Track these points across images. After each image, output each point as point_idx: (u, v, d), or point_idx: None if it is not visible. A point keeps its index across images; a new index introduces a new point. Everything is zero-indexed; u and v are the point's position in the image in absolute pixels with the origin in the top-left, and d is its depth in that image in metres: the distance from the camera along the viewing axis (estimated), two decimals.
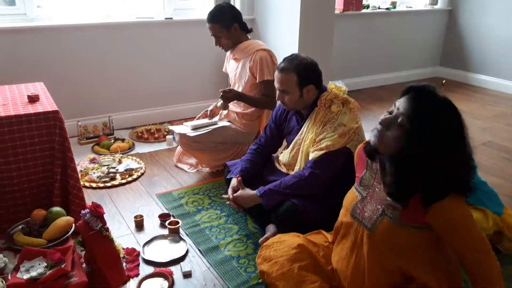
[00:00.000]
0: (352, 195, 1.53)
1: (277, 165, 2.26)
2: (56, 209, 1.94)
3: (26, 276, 1.56)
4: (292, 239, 1.64)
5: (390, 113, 1.31)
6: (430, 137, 1.23)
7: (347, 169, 1.99)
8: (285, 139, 2.28)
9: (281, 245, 1.62)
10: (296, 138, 2.09)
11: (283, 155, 2.20)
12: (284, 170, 2.19)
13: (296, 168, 2.08)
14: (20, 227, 1.89)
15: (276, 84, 2.02)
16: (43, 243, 1.79)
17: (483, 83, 5.11)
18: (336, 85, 2.04)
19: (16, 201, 1.98)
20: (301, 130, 2.08)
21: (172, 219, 2.18)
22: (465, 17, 5.19)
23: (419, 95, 1.27)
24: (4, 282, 1.54)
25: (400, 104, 1.28)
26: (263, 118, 2.79)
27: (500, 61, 4.91)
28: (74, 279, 1.61)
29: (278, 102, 2.15)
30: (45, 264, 1.63)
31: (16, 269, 1.62)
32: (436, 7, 5.28)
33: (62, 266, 1.61)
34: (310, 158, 1.96)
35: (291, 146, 2.13)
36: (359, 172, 1.55)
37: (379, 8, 4.85)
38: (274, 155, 2.36)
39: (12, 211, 1.97)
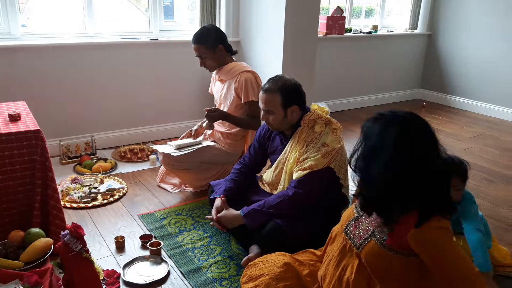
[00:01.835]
0: (350, 212, 1.54)
1: (261, 184, 2.26)
2: (35, 230, 1.89)
3: None
4: (277, 258, 1.63)
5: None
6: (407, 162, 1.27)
7: (330, 189, 2.01)
8: (269, 159, 2.29)
9: (267, 263, 1.61)
10: (280, 157, 2.10)
11: (267, 175, 2.21)
12: (267, 189, 2.19)
13: (280, 187, 2.08)
14: None
15: (261, 105, 2.04)
16: (20, 266, 1.74)
17: (462, 105, 5.25)
18: (319, 106, 2.07)
19: None
20: (284, 150, 2.09)
21: (153, 240, 2.14)
22: (444, 41, 5.36)
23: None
24: None
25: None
26: (247, 138, 2.80)
27: (478, 84, 5.06)
28: None
29: (263, 122, 2.17)
30: (21, 287, 1.58)
31: None
32: (416, 31, 5.44)
33: None
34: (294, 177, 1.97)
35: (274, 165, 2.13)
36: None
37: (361, 32, 4.97)
38: (258, 174, 2.36)
39: None
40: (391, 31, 5.32)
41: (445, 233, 1.28)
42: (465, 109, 5.20)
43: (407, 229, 1.29)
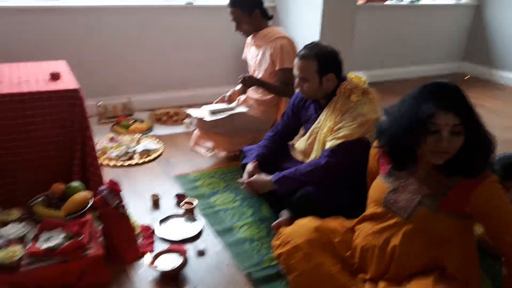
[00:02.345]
0: (380, 187, 1.54)
1: (293, 153, 2.26)
2: (75, 184, 1.98)
3: (44, 246, 1.61)
4: (309, 223, 1.64)
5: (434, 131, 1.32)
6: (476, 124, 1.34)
7: (363, 160, 1.99)
8: (302, 127, 2.28)
9: (299, 228, 1.62)
10: (313, 126, 2.09)
11: (299, 143, 2.20)
12: (299, 158, 2.19)
13: (312, 156, 2.08)
14: (40, 199, 1.95)
15: (296, 71, 2.02)
16: (61, 216, 1.84)
17: (507, 80, 5.00)
18: (357, 76, 2.03)
19: (37, 174, 2.03)
20: (318, 119, 2.07)
21: (187, 199, 2.21)
22: (493, 13, 5.06)
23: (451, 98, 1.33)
24: (23, 250, 1.59)
25: (443, 119, 1.30)
26: (280, 106, 2.79)
27: None
28: (90, 251, 1.66)
29: (297, 90, 2.15)
30: (64, 235, 1.68)
31: (36, 238, 1.67)
32: (462, 1, 5.16)
33: (80, 239, 1.65)
34: (327, 147, 1.96)
35: (307, 134, 2.12)
36: (383, 165, 1.57)
37: (403, 0, 4.76)
38: (290, 143, 2.36)
39: (33, 183, 2.02)
40: (435, 1, 5.06)
41: (503, 195, 1.38)
42: (510, 84, 4.96)
43: (465, 190, 1.35)
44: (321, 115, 2.06)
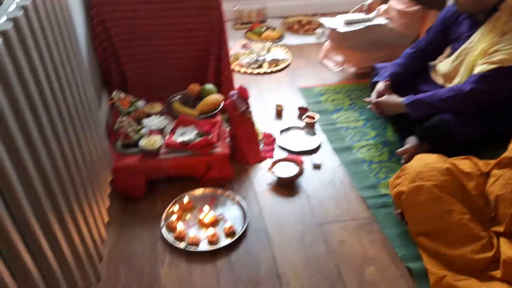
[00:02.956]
0: None
1: (433, 75, 2.04)
2: (209, 86, 2.11)
3: (179, 139, 1.79)
4: (439, 164, 1.49)
5: None
6: None
7: None
8: (449, 46, 2.01)
9: (427, 168, 1.48)
10: (464, 46, 1.82)
11: (443, 64, 1.96)
12: (440, 82, 1.97)
13: (456, 81, 1.85)
14: (178, 97, 2.13)
15: None
16: (195, 115, 2.00)
17: None
18: None
19: (177, 74, 2.21)
20: (471, 38, 1.79)
21: (310, 113, 2.20)
22: None
23: None
24: (162, 140, 1.80)
25: None
26: (426, 20, 2.47)
27: None
28: (218, 149, 1.80)
29: (449, 2, 1.85)
30: (196, 132, 1.84)
31: (173, 131, 1.87)
32: None
33: (210, 137, 1.79)
34: (475, 71, 1.71)
35: (455, 54, 1.87)
36: None
37: None
38: (432, 63, 2.12)
39: (173, 82, 2.22)
40: None
41: None
42: None
43: None
44: (475, 34, 1.78)
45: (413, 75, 2.04)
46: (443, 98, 1.75)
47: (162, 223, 1.60)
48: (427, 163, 1.51)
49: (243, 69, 2.72)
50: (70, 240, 1.04)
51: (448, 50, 2.02)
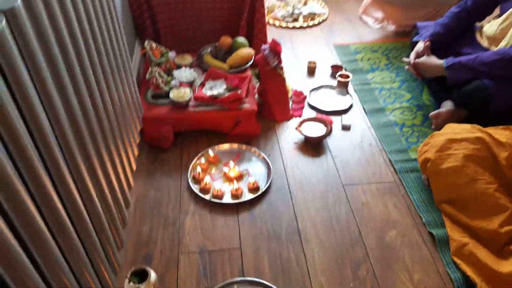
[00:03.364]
0: None
1: (478, 36, 1.91)
2: (241, 39, 2.07)
3: (209, 93, 1.79)
4: (470, 133, 1.44)
5: None
6: None
7: None
8: (498, 7, 1.86)
9: (456, 136, 1.44)
10: None
11: (490, 26, 1.83)
12: (485, 44, 1.85)
13: (502, 44, 1.73)
14: (209, 49, 2.11)
15: None
16: (226, 68, 1.98)
17: None
18: None
19: (209, 25, 2.17)
20: None
21: (343, 71, 2.14)
22: None
23: None
24: (191, 93, 1.80)
25: None
26: None
27: None
28: (246, 105, 1.79)
29: None
30: (225, 86, 1.83)
31: (202, 84, 1.86)
32: None
33: (238, 92, 1.78)
34: None
35: (504, 15, 1.74)
36: None
37: None
38: (478, 24, 1.98)
39: (205, 34, 2.18)
40: None
41: None
42: None
43: None
44: None
45: (456, 36, 1.92)
46: (486, 62, 1.65)
47: (189, 174, 1.64)
48: (457, 132, 1.47)
49: (277, 22, 2.64)
50: (99, 186, 1.08)
51: (497, 11, 1.88)
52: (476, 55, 1.70)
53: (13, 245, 0.64)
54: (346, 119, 1.91)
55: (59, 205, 0.82)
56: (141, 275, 1.23)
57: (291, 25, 2.62)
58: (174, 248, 1.39)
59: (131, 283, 1.20)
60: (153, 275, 1.23)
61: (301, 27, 2.61)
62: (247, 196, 1.56)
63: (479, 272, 1.26)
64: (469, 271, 1.26)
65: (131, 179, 1.43)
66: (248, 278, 1.29)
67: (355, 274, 1.32)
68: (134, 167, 1.51)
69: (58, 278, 0.80)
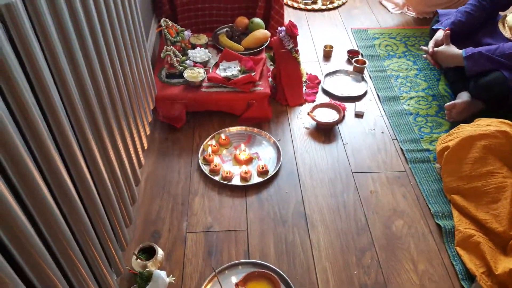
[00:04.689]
0: None
1: (500, 26, 1.85)
2: (258, 20, 2.04)
3: (222, 74, 1.78)
4: (497, 126, 1.42)
5: None
6: None
7: None
8: None
9: (482, 128, 1.43)
10: None
11: None
12: (507, 34, 1.79)
13: None
14: (225, 29, 2.09)
15: None
16: (241, 49, 1.96)
17: None
18: None
19: (226, 5, 2.14)
20: None
21: (360, 57, 2.10)
22: None
23: None
24: (205, 73, 1.79)
25: None
26: None
27: None
28: (259, 88, 1.78)
29: None
30: (239, 68, 1.82)
31: (216, 65, 1.86)
32: None
33: (252, 74, 1.77)
34: None
35: None
36: None
37: None
38: (501, 13, 1.92)
39: (222, 13, 2.16)
40: None
41: None
42: None
43: None
44: None
45: (477, 25, 1.87)
46: (507, 53, 1.60)
47: (199, 155, 1.65)
48: (484, 124, 1.45)
49: (295, 4, 2.60)
50: (109, 161, 1.10)
51: None
52: (497, 46, 1.65)
53: (20, 216, 0.66)
54: (359, 106, 1.89)
55: (67, 179, 0.84)
56: (148, 252, 1.26)
57: (309, 7, 2.57)
58: (182, 227, 1.42)
59: (138, 260, 1.22)
60: (160, 252, 1.25)
61: (319, 10, 2.57)
62: (256, 179, 1.57)
63: (481, 264, 1.25)
64: (470, 263, 1.26)
65: (142, 157, 1.44)
66: (253, 260, 1.31)
67: (360, 261, 1.32)
68: (146, 145, 1.52)
69: (65, 252, 0.82)
